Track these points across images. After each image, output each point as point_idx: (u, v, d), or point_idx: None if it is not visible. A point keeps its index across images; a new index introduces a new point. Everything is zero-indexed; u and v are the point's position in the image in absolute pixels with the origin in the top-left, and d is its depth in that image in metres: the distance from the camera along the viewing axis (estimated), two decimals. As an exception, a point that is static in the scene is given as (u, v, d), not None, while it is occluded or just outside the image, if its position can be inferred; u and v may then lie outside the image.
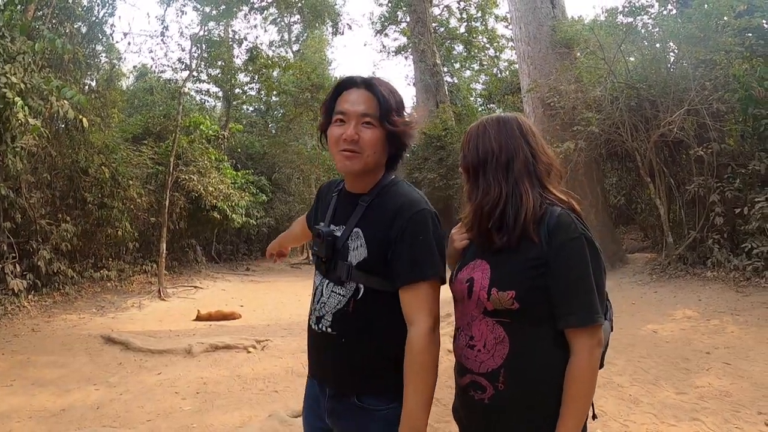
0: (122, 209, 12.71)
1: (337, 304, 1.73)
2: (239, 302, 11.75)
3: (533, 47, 13.85)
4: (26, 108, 6.43)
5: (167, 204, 13.12)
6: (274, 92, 24.09)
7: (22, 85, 6.43)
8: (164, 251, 12.76)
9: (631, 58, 11.37)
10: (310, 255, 26.86)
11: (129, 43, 29.89)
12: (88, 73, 13.06)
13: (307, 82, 22.49)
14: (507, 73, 27.24)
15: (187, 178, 14.84)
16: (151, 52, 28.93)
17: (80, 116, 7.51)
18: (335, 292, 1.74)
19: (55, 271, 10.86)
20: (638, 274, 9.75)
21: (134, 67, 24.48)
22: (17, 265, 10.13)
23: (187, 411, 4.72)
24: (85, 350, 7.09)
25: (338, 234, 1.76)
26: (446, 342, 5.99)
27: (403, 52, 30.13)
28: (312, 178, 24.59)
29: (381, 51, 29.59)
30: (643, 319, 6.75)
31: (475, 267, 1.67)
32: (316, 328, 1.79)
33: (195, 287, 14.02)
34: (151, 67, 21.10)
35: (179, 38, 22.54)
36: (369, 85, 1.72)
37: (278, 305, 11.28)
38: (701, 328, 6.20)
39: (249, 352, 6.44)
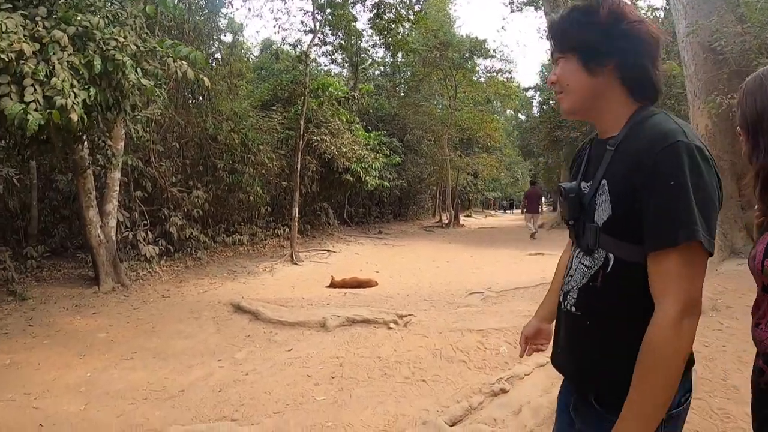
0: (253, 174, 12.46)
1: (583, 278, 1.42)
2: (374, 267, 11.04)
3: (687, -17, 11.68)
4: (139, 70, 5.89)
5: (299, 167, 12.65)
6: (401, 52, 23.27)
7: (134, 47, 5.89)
8: (296, 215, 12.34)
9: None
10: (443, 219, 26.16)
11: (249, 9, 30.01)
12: (210, 43, 12.98)
13: (434, 41, 21.47)
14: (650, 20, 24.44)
15: (319, 139, 14.37)
16: (272, 12, 29.07)
17: (201, 76, 6.93)
18: (582, 264, 1.43)
19: (188, 236, 10.80)
20: None
21: (257, 32, 24.74)
22: (149, 232, 10.11)
23: (320, 402, 3.89)
24: (213, 319, 6.62)
25: (586, 190, 1.44)
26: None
27: (533, 3, 27.95)
28: (444, 138, 23.52)
29: (509, 3, 27.50)
30: None
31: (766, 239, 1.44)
32: (563, 305, 1.52)
33: (328, 251, 13.60)
34: (275, 29, 21.13)
35: (300, 1, 22.34)
36: None
37: (416, 272, 10.38)
38: None
39: (390, 328, 5.54)
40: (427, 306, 6.75)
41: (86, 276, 9.11)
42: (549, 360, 1.58)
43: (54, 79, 4.78)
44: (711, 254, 1.20)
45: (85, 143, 8.32)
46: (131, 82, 5.52)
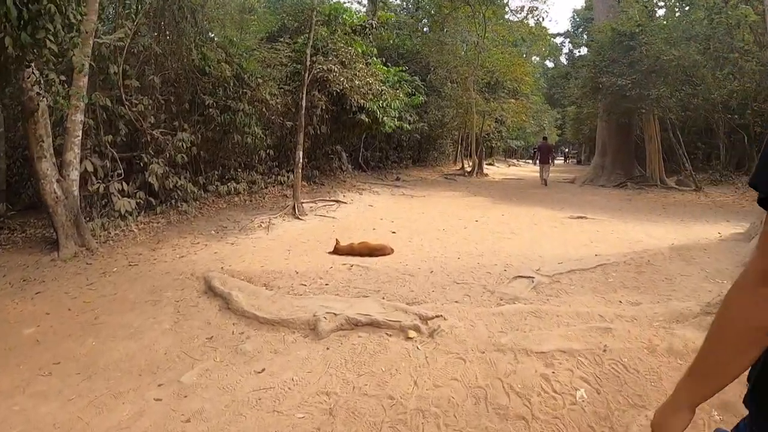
0: (250, 113, 10.64)
1: None
2: (389, 226, 9.38)
3: None
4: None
5: (304, 104, 10.77)
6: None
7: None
8: (300, 159, 10.58)
9: None
10: (465, 166, 24.33)
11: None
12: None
13: (463, -29, 19.28)
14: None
15: (326, 68, 12.39)
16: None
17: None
18: None
19: (172, 186, 9.12)
20: None
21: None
22: (125, 183, 8.46)
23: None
24: (174, 304, 5.05)
25: None
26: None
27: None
28: (470, 80, 21.46)
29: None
30: None
31: None
32: None
33: (337, 201, 11.95)
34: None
35: None
36: None
37: (439, 234, 8.62)
38: None
39: (409, 338, 3.89)
40: (458, 294, 5.04)
41: (49, 239, 7.58)
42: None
43: None
44: None
45: (33, 78, 6.59)
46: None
